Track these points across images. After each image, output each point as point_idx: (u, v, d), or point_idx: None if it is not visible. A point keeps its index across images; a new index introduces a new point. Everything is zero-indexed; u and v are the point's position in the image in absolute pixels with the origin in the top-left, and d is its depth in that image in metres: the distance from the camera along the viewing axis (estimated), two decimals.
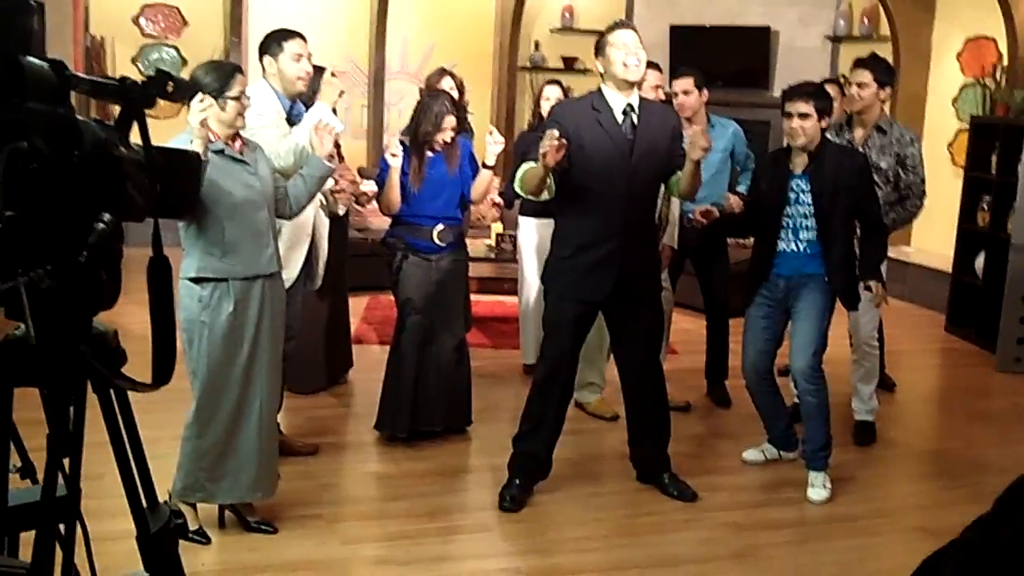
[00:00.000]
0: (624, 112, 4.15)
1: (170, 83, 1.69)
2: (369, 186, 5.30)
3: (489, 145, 4.79)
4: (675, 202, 5.33)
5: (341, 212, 4.77)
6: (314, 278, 4.72)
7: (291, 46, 4.36)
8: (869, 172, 4.65)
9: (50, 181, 1.49)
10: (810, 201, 4.46)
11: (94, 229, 1.54)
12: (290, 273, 4.38)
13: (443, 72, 5.69)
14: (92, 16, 8.68)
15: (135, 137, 1.67)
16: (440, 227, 4.79)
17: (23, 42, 1.52)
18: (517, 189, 4.26)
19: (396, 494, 4.48)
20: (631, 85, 4.14)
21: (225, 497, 3.87)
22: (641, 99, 4.23)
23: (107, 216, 1.55)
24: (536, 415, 4.37)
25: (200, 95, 3.51)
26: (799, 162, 4.50)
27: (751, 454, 4.94)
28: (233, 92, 3.65)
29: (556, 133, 3.85)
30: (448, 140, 4.76)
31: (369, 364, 5.95)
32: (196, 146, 3.49)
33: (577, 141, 4.03)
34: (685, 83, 5.51)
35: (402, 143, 4.74)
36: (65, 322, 1.55)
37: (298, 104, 4.45)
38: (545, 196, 4.15)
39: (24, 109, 1.48)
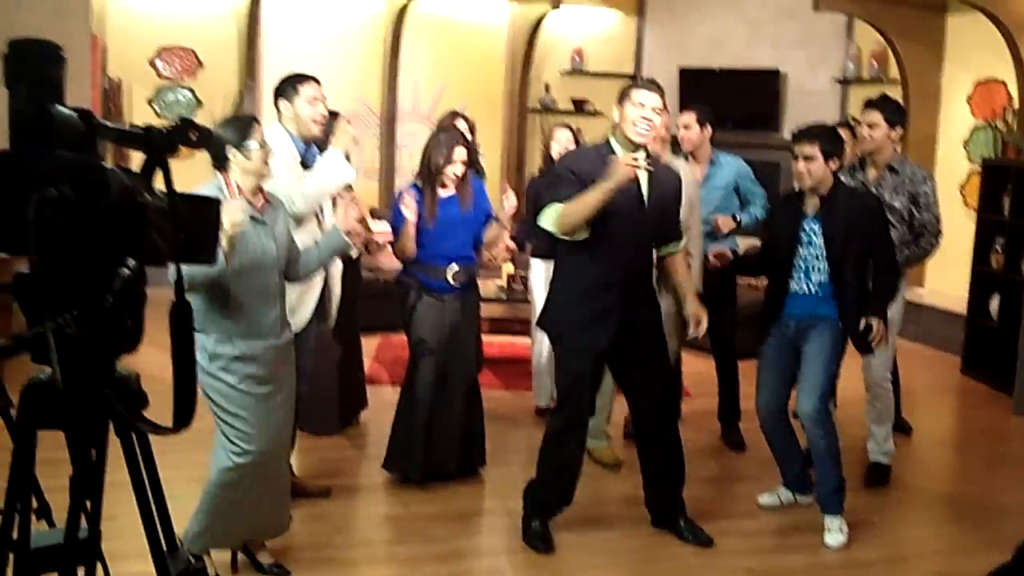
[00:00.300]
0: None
1: (193, 131, 1.72)
2: (381, 227, 5.33)
3: (504, 203, 5.08)
4: (696, 246, 5.33)
5: (354, 255, 4.78)
6: (327, 318, 4.73)
7: (306, 90, 4.37)
8: (882, 214, 4.64)
9: (77, 227, 1.52)
10: (822, 243, 4.47)
11: (119, 275, 1.56)
12: (302, 317, 4.34)
13: (455, 115, 5.74)
14: (110, 58, 8.78)
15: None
16: (455, 267, 4.80)
17: (53, 92, 1.55)
18: (550, 225, 4.13)
19: (408, 537, 4.46)
20: (636, 146, 4.12)
21: (241, 538, 3.86)
22: (647, 153, 4.15)
23: (132, 262, 1.57)
24: (555, 468, 4.34)
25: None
26: (811, 204, 4.51)
27: (766, 498, 4.91)
28: (255, 141, 3.66)
29: (641, 155, 3.97)
30: (459, 173, 4.76)
31: (382, 405, 5.95)
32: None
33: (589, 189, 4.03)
34: (687, 118, 5.57)
35: (415, 186, 4.78)
36: (90, 366, 1.56)
37: (312, 148, 4.48)
38: (583, 235, 4.10)
39: (53, 157, 1.51)
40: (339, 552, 4.23)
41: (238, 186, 3.66)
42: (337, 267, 4.72)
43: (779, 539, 4.60)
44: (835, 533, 4.50)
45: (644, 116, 4.05)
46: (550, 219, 4.11)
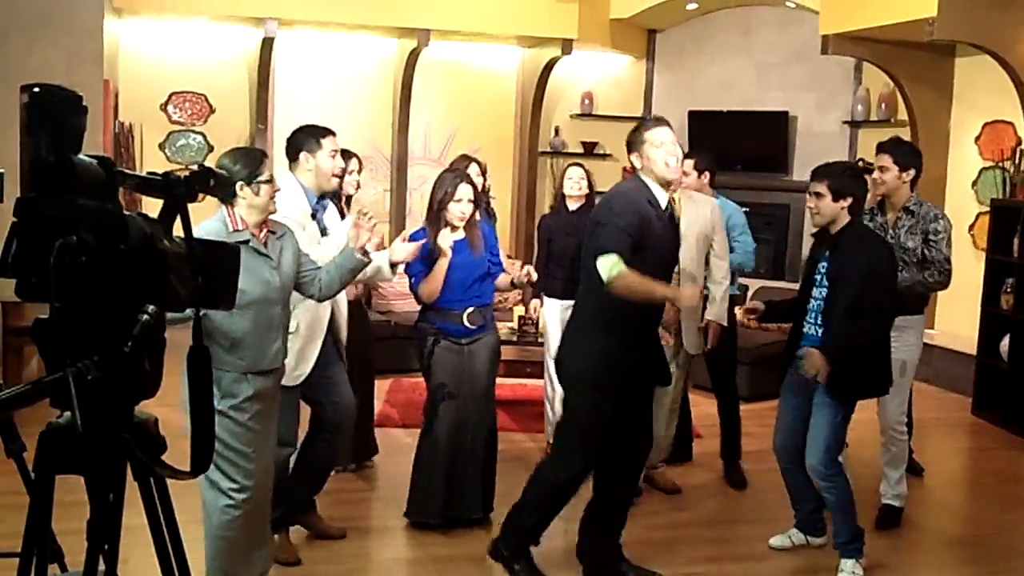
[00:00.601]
0: (666, 207, 4.17)
1: (212, 178, 1.75)
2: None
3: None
4: (720, 278, 5.42)
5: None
6: (343, 357, 4.71)
7: (328, 143, 4.35)
8: (884, 273, 4.42)
9: (98, 274, 1.54)
10: (827, 283, 4.45)
11: (138, 320, 1.58)
12: (305, 368, 4.32)
13: (467, 158, 5.75)
14: (121, 103, 8.88)
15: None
16: (470, 310, 4.81)
17: (74, 140, 1.58)
18: (606, 275, 3.96)
19: None
20: (669, 182, 4.15)
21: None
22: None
23: (151, 307, 1.59)
24: (551, 513, 4.31)
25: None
26: (826, 244, 4.51)
27: (777, 540, 4.88)
28: (264, 176, 3.65)
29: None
30: (466, 212, 4.73)
31: (394, 448, 5.95)
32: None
33: (646, 230, 4.04)
34: (686, 164, 5.51)
35: (422, 230, 4.78)
36: (110, 411, 1.58)
37: (324, 200, 4.49)
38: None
39: (75, 205, 1.54)
40: None
41: (242, 219, 3.65)
42: (343, 303, 4.69)
43: None
44: (847, 574, 4.47)
45: (670, 152, 4.07)
46: (607, 269, 3.95)
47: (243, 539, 3.72)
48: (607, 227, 4.03)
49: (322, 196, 4.46)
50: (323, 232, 4.45)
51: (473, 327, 4.82)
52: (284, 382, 4.14)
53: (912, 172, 5.09)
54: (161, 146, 9.29)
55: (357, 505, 5.26)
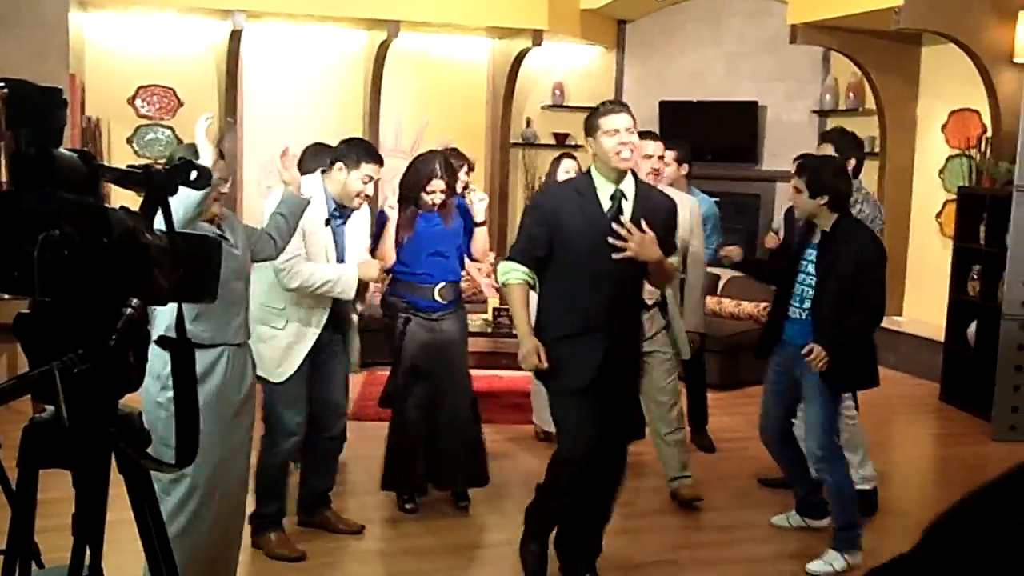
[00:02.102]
0: (612, 198, 3.95)
1: (193, 171, 1.75)
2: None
3: (474, 204, 4.96)
4: (693, 284, 5.40)
5: (348, 298, 4.60)
6: (351, 354, 4.73)
7: (368, 168, 4.39)
8: (874, 264, 4.48)
9: (81, 267, 1.54)
10: (815, 273, 4.49)
11: (122, 314, 1.58)
12: (288, 368, 4.34)
13: (450, 150, 5.67)
14: (88, 98, 8.79)
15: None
16: (441, 284, 4.87)
17: (55, 134, 1.58)
18: (502, 279, 4.06)
19: (397, 571, 4.46)
20: (623, 173, 3.98)
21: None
22: (639, 184, 4.05)
23: (135, 301, 1.59)
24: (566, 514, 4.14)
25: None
26: (816, 231, 4.54)
27: (778, 519, 4.95)
28: (216, 174, 3.61)
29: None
30: (437, 203, 4.81)
31: (369, 440, 5.95)
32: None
33: (556, 226, 3.92)
34: (667, 154, 5.52)
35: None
36: (94, 405, 1.58)
37: (346, 210, 4.51)
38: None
39: (56, 199, 1.54)
40: None
41: None
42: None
43: (775, 565, 4.61)
44: (821, 563, 4.49)
45: (622, 142, 3.88)
46: (501, 275, 4.07)
47: (206, 540, 3.59)
48: (520, 230, 4.11)
49: (342, 207, 4.48)
50: (335, 240, 4.48)
51: (444, 302, 4.88)
52: (266, 375, 4.23)
53: (852, 161, 5.22)
54: (129, 140, 9.20)
55: (334, 498, 5.25)
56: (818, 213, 4.46)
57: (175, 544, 3.51)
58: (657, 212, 4.03)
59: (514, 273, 3.99)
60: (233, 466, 3.69)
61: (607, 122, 3.92)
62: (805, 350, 4.34)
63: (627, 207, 3.97)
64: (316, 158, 4.81)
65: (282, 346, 4.29)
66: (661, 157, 5.28)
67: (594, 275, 3.91)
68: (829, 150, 5.19)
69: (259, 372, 4.17)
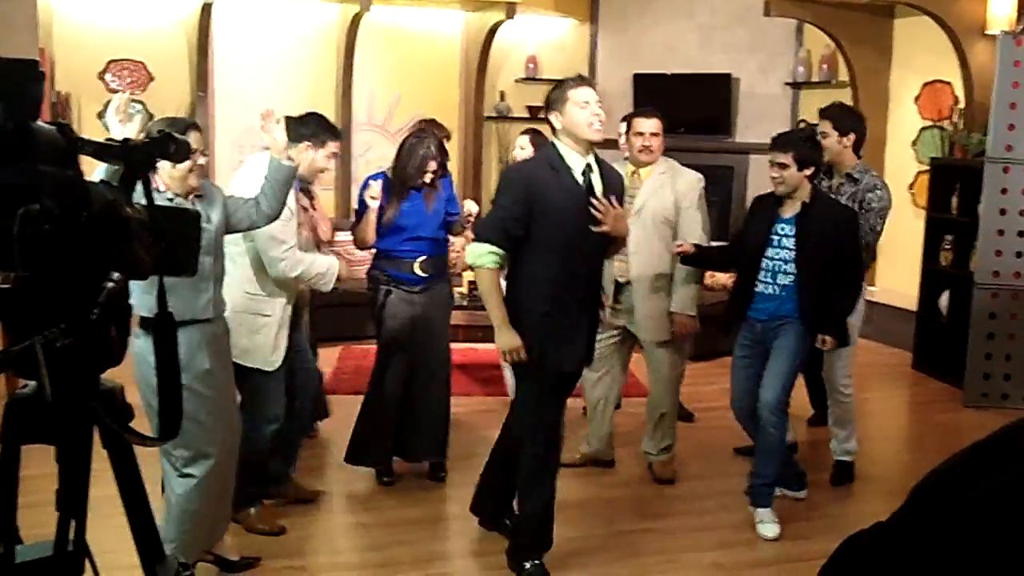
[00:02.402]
0: (583, 172, 3.91)
1: (172, 144, 1.74)
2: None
3: (465, 206, 5.24)
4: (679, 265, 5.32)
5: (326, 290, 4.63)
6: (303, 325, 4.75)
7: (333, 146, 4.50)
8: (853, 228, 4.67)
9: (61, 241, 1.53)
10: (792, 246, 4.55)
11: (104, 288, 1.57)
12: (279, 355, 4.34)
13: (432, 122, 5.67)
14: (58, 72, 8.69)
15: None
16: (421, 258, 4.92)
17: (32, 108, 1.57)
18: (471, 261, 3.96)
19: (377, 543, 4.48)
20: (590, 146, 3.94)
21: (199, 554, 3.87)
22: (596, 157, 4.00)
23: (116, 275, 1.58)
24: (546, 497, 4.12)
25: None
26: (789, 207, 4.60)
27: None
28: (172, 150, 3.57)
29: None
30: (428, 181, 4.92)
31: (348, 415, 5.94)
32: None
33: (536, 201, 3.84)
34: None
35: (384, 175, 4.97)
36: (77, 380, 1.58)
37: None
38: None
39: (36, 172, 1.52)
40: (308, 560, 4.25)
41: (165, 185, 3.57)
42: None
43: (745, 533, 4.66)
44: (769, 524, 4.63)
45: (594, 113, 3.85)
46: (473, 257, 3.93)
47: (205, 512, 3.71)
48: (492, 210, 4.02)
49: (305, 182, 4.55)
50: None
51: (425, 275, 4.91)
52: (262, 367, 4.26)
53: (852, 136, 5.16)
54: (100, 115, 9.09)
55: (311, 471, 5.26)
56: (802, 185, 4.54)
57: (185, 510, 3.61)
58: (615, 186, 4.04)
59: (488, 257, 3.87)
60: (228, 431, 3.80)
61: (577, 94, 3.90)
62: (819, 342, 4.59)
63: (596, 181, 3.95)
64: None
65: (272, 333, 4.29)
66: (655, 134, 5.14)
67: (576, 249, 3.89)
68: (827, 127, 5.13)
69: (251, 364, 4.23)
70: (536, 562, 4.09)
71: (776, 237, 4.59)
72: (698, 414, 6.29)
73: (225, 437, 3.75)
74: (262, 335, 4.28)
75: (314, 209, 4.65)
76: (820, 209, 4.57)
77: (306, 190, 4.56)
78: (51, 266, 1.54)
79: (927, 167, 8.06)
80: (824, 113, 5.27)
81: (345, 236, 5.57)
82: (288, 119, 4.16)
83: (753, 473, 4.72)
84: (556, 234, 3.86)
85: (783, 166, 4.52)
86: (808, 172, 4.54)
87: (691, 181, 5.15)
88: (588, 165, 3.94)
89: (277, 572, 4.08)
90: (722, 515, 4.87)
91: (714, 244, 5.25)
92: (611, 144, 10.57)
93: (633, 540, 4.54)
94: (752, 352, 4.71)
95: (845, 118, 5.21)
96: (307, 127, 4.45)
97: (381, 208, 4.87)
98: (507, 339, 3.87)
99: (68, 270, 1.56)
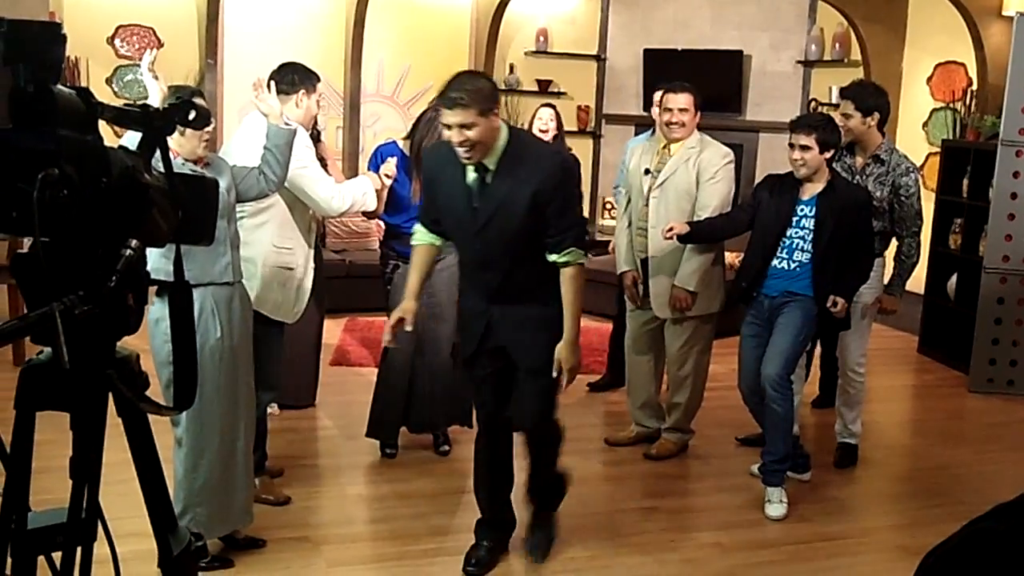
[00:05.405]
0: (476, 170, 3.60)
1: (192, 111, 1.72)
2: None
3: None
4: (621, 229, 5.25)
5: (373, 207, 4.75)
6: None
7: (320, 87, 4.52)
8: (868, 209, 4.74)
9: (80, 208, 1.51)
10: (811, 227, 4.58)
11: (122, 255, 1.56)
12: (302, 305, 4.47)
13: None
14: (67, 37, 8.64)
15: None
16: None
17: (54, 71, 1.55)
18: (414, 241, 3.95)
19: (382, 516, 4.49)
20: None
21: (220, 532, 3.82)
22: (510, 148, 3.59)
23: (134, 242, 1.57)
24: (482, 477, 4.14)
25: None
26: (808, 188, 4.62)
27: (757, 468, 4.98)
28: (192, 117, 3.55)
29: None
30: None
31: (351, 385, 5.95)
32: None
33: (436, 191, 3.77)
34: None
35: (396, 146, 5.03)
36: (93, 347, 1.57)
37: None
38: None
39: (56, 137, 1.51)
40: (312, 531, 4.24)
41: (175, 152, 3.57)
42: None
43: (748, 514, 4.67)
44: (776, 504, 4.63)
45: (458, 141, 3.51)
46: (413, 236, 3.96)
47: (217, 485, 3.69)
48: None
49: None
50: None
51: None
52: (285, 319, 4.37)
53: (876, 115, 5.05)
54: (108, 81, 9.07)
55: (314, 444, 5.27)
56: (822, 168, 4.59)
57: (189, 487, 3.60)
58: (529, 182, 3.60)
59: (419, 235, 3.91)
60: (247, 399, 3.82)
61: (443, 117, 3.57)
62: (831, 303, 4.57)
63: (490, 179, 3.62)
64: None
65: (295, 286, 4.38)
66: (684, 110, 5.03)
67: (468, 245, 3.80)
68: (849, 108, 5.02)
69: (279, 318, 4.33)
70: (483, 547, 4.09)
71: (795, 217, 4.63)
72: (705, 392, 6.26)
73: (228, 410, 3.69)
74: (287, 288, 4.35)
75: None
76: (840, 191, 4.62)
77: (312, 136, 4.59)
78: (70, 232, 1.52)
79: (938, 149, 8.02)
80: (845, 93, 5.13)
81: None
82: (271, 76, 4.16)
83: (763, 452, 4.72)
84: (450, 226, 3.81)
85: (806, 148, 4.51)
86: (828, 155, 4.57)
87: (714, 155, 5.03)
88: (483, 164, 3.58)
89: (281, 543, 4.08)
90: (724, 496, 4.87)
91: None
92: (622, 120, 10.51)
93: (634, 519, 4.54)
94: (760, 331, 4.71)
95: (867, 96, 5.06)
96: (294, 76, 4.42)
97: (395, 180, 4.87)
98: (401, 307, 3.84)
99: (87, 236, 1.54)
